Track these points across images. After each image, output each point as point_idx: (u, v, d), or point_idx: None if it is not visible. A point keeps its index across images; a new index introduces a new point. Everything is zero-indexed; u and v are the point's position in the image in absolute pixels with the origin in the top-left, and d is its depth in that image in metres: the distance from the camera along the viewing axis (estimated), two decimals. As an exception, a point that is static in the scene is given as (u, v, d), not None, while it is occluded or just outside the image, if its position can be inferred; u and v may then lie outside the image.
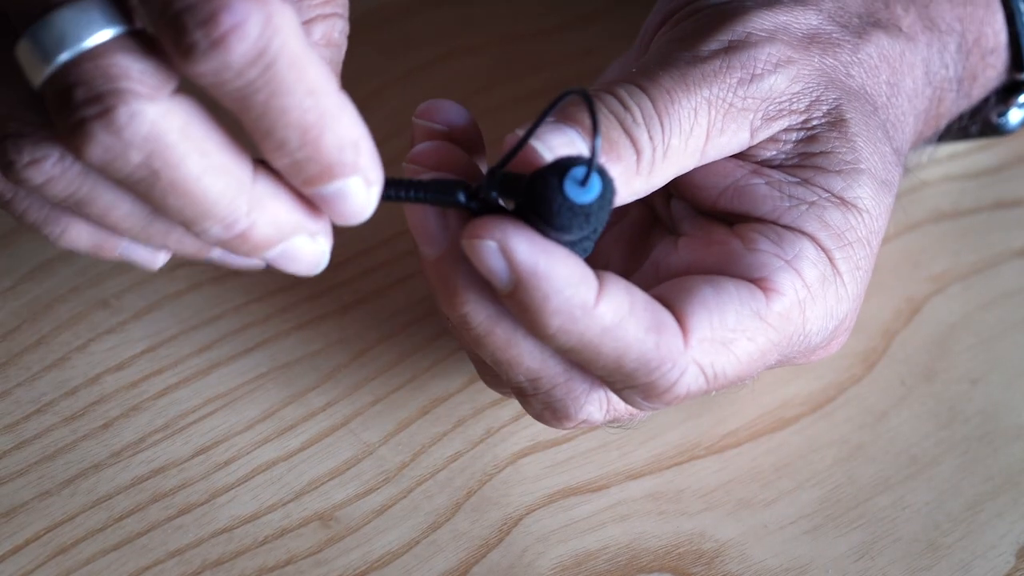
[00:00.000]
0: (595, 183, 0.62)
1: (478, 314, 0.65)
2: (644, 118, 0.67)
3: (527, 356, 0.66)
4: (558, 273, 0.62)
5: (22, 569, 0.72)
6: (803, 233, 0.68)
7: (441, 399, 0.79)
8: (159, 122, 0.57)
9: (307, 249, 0.62)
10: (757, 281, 0.67)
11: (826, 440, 0.79)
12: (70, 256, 0.82)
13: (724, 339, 0.66)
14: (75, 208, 0.61)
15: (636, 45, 0.76)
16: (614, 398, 0.69)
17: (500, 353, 0.66)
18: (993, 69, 0.79)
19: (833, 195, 0.68)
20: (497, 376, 0.73)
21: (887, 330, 0.82)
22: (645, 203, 0.75)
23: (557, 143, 0.65)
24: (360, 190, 0.60)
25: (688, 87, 0.68)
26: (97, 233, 0.64)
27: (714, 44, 0.70)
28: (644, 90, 0.67)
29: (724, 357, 0.66)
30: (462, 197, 0.63)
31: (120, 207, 0.61)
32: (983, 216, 0.86)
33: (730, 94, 0.68)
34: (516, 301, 0.63)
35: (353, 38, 0.68)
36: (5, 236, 0.82)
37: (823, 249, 0.68)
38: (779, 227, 0.68)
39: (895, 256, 0.84)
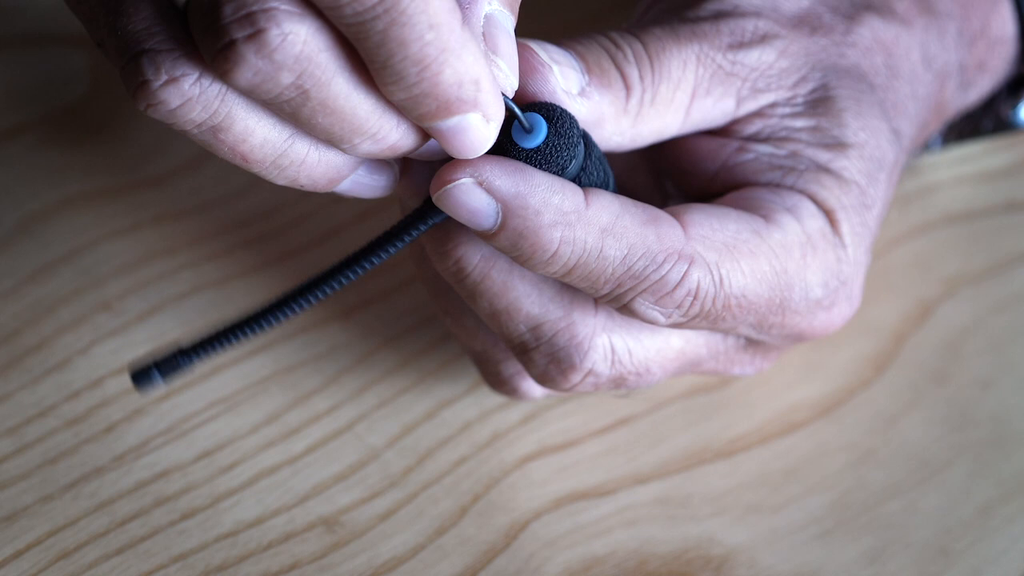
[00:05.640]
0: (540, 128, 0.62)
1: (472, 257, 0.65)
2: (635, 58, 0.67)
3: (526, 300, 0.66)
4: (541, 184, 0.62)
5: (24, 573, 0.72)
6: (803, 192, 0.68)
7: (447, 403, 0.78)
8: (311, 41, 0.55)
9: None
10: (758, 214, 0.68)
11: (836, 444, 0.78)
12: (71, 258, 0.81)
13: (726, 242, 0.66)
14: (210, 136, 0.59)
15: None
16: (619, 348, 0.68)
17: (498, 300, 0.66)
18: (1001, 60, 0.79)
19: (819, 166, 0.69)
20: (498, 373, 0.73)
21: (898, 333, 0.82)
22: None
23: (553, 48, 0.65)
24: (478, 125, 0.59)
25: (679, 40, 0.68)
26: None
27: (702, 12, 0.70)
28: (636, 36, 0.68)
29: (729, 261, 0.66)
30: None
31: (256, 133, 0.59)
32: (995, 218, 0.86)
33: (719, 55, 0.69)
34: (509, 230, 0.62)
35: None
36: (5, 238, 0.82)
37: (823, 209, 0.68)
38: (779, 187, 0.69)
39: (906, 259, 0.84)
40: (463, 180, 0.61)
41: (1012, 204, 0.87)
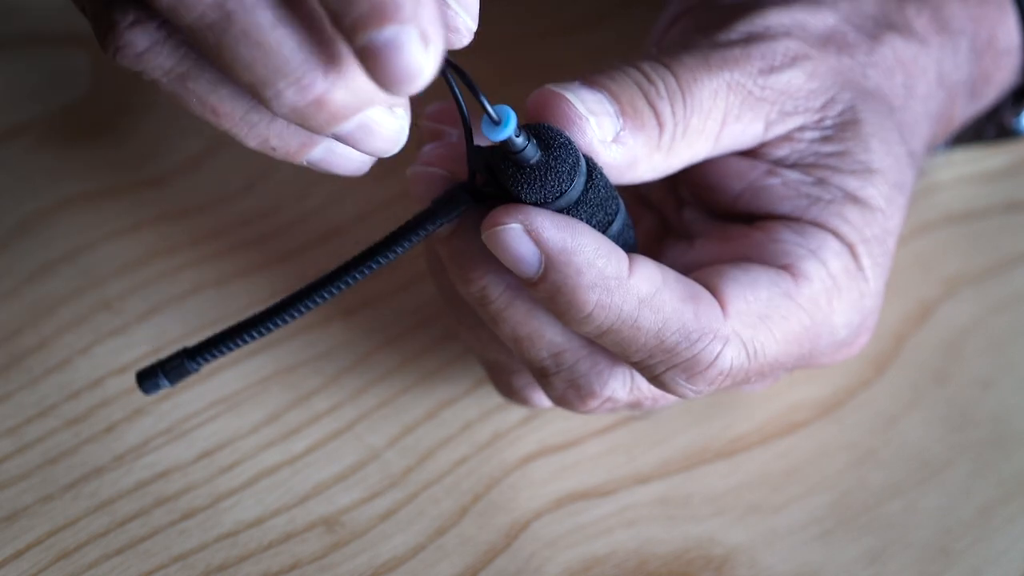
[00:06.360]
0: (509, 119, 0.60)
1: (497, 286, 0.64)
2: (668, 92, 0.67)
3: (548, 328, 0.66)
4: (588, 244, 0.62)
5: (24, 573, 0.72)
6: (825, 228, 0.68)
7: (447, 402, 0.78)
8: None
9: (386, 122, 0.58)
10: (783, 267, 0.67)
11: (836, 444, 0.78)
12: (71, 258, 0.81)
13: (760, 314, 0.65)
14: (179, 86, 0.57)
15: (648, 47, 0.75)
16: (638, 376, 0.68)
17: (521, 327, 0.65)
18: (1006, 71, 0.79)
19: (848, 194, 0.68)
20: (510, 383, 0.73)
21: (898, 333, 0.82)
22: (656, 213, 0.74)
23: (588, 96, 0.65)
24: (415, 44, 0.53)
25: (710, 68, 0.68)
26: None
27: (733, 35, 0.70)
28: (668, 67, 0.67)
29: (763, 333, 0.66)
30: (468, 197, 0.63)
31: (226, 83, 0.57)
32: (995, 219, 0.86)
33: (749, 81, 0.68)
34: (548, 283, 0.62)
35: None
36: (5, 238, 0.82)
37: (846, 244, 0.68)
38: (801, 222, 0.68)
39: (907, 259, 0.84)
40: (513, 225, 0.61)
41: (1012, 204, 0.87)
